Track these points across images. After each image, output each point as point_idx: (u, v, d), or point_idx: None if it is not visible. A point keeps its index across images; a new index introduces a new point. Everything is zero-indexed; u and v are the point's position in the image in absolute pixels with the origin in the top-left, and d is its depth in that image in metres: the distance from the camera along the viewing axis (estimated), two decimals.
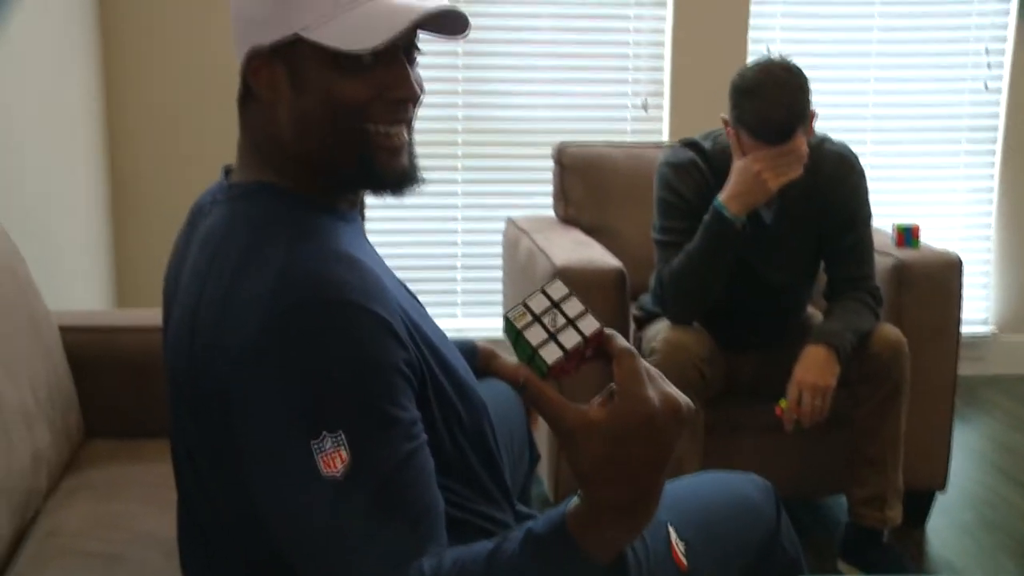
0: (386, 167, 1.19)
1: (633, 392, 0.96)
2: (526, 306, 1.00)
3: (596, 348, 1.00)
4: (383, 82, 1.16)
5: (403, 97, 1.17)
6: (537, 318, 1.00)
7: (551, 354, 0.98)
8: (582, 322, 0.99)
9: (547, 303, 1.00)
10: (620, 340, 1.00)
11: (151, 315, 2.02)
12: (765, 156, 2.28)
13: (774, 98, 2.24)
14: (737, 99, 2.31)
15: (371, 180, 1.20)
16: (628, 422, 0.95)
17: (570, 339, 0.98)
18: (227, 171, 1.29)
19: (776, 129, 2.25)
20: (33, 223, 2.65)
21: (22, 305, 1.87)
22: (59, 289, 2.78)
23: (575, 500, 1.00)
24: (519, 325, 0.99)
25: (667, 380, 1.00)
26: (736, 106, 2.31)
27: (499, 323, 3.43)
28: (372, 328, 1.07)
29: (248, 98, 1.21)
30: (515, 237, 2.99)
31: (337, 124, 1.16)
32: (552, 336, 0.99)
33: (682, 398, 0.98)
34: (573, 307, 0.99)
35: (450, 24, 1.20)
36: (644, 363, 0.99)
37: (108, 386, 2.09)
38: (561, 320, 0.99)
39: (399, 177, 1.21)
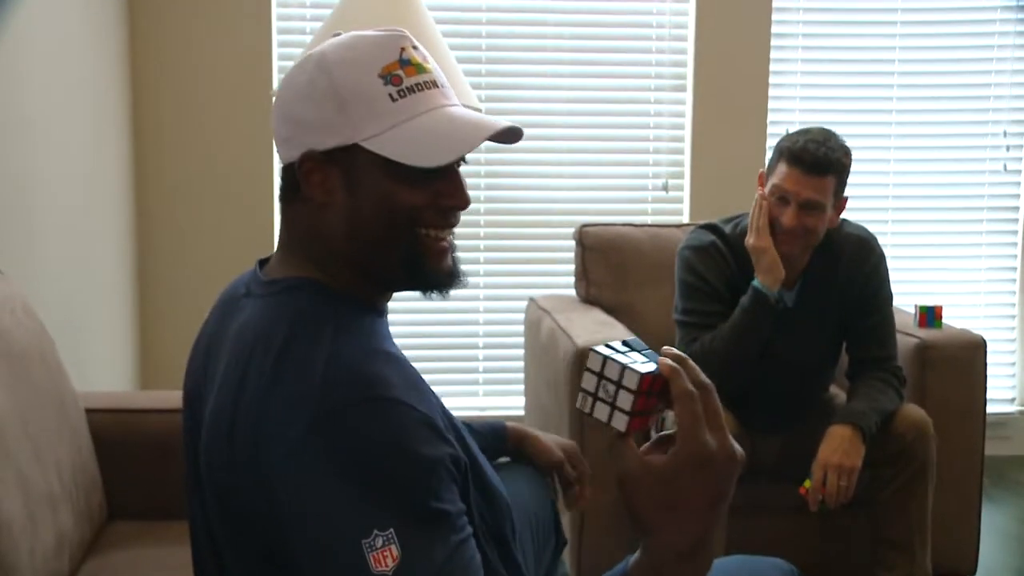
0: (434, 268, 1.24)
1: (692, 435, 0.98)
2: (583, 389, 1.04)
3: (661, 388, 1.03)
4: (439, 191, 1.21)
5: (456, 205, 1.22)
6: (595, 396, 1.03)
7: (620, 422, 1.01)
8: (626, 379, 1.01)
9: (595, 378, 1.03)
10: (681, 382, 1.00)
11: (176, 397, 2.03)
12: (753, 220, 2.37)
13: (822, 137, 2.36)
14: (783, 139, 2.41)
15: (419, 280, 1.24)
16: (688, 464, 0.98)
17: (626, 400, 1.01)
18: (261, 263, 1.31)
19: (813, 155, 2.32)
20: (59, 304, 2.68)
21: (51, 389, 1.90)
22: (83, 370, 2.81)
23: (636, 554, 1.01)
24: (587, 411, 1.03)
25: (724, 423, 1.01)
26: (779, 145, 2.40)
27: (520, 401, 3.42)
28: (416, 425, 1.08)
29: (293, 195, 1.24)
30: (537, 317, 3.00)
31: (390, 228, 1.20)
32: (613, 406, 1.02)
33: (737, 447, 1.00)
34: (613, 370, 1.02)
35: (504, 134, 1.24)
36: (707, 401, 1.00)
37: (131, 467, 2.11)
38: (611, 387, 1.02)
39: (446, 277, 1.26)
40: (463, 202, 1.23)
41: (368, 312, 1.22)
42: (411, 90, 1.19)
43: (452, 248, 1.26)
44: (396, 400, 1.08)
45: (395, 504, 1.05)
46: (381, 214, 1.19)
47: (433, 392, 1.23)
